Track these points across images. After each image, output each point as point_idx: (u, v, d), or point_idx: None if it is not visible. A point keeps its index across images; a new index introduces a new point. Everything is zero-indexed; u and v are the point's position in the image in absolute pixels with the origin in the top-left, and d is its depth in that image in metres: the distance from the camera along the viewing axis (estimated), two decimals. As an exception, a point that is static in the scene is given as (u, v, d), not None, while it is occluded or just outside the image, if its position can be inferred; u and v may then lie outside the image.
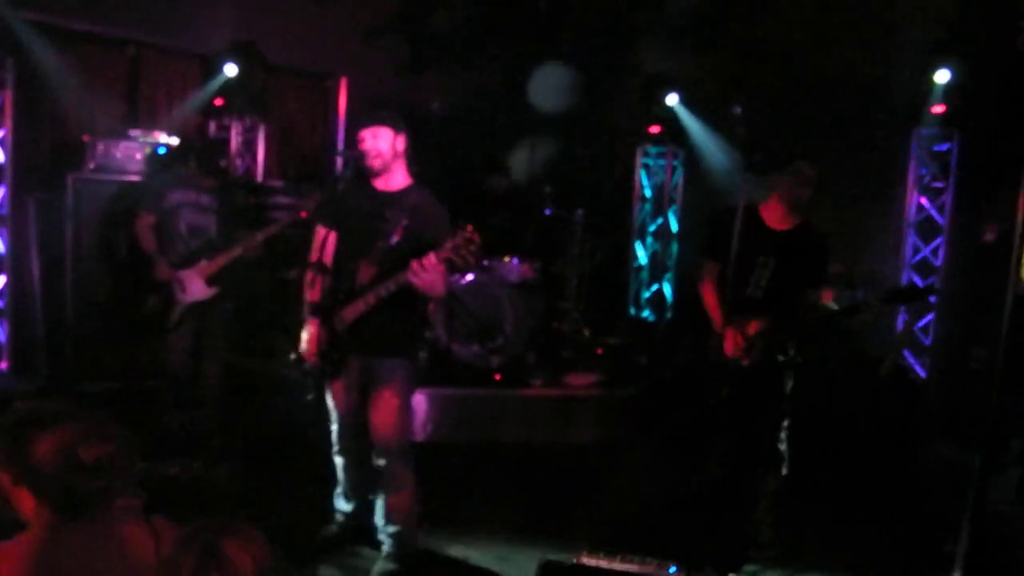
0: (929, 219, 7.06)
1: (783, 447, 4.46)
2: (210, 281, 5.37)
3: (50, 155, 6.83)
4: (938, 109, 6.64)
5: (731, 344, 4.31)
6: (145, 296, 5.40)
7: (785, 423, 4.43)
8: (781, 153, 4.34)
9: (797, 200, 4.35)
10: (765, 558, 4.46)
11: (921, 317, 7.06)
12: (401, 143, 4.01)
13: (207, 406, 5.57)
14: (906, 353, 7.01)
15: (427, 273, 3.65)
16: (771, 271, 4.35)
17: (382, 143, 3.94)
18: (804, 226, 4.41)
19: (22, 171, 6.42)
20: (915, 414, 6.40)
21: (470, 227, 3.59)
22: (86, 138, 6.54)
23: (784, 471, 4.53)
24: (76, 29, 6.97)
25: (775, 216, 4.40)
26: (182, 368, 5.51)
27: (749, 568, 4.39)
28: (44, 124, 6.84)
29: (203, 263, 5.34)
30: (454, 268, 3.82)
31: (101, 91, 7.06)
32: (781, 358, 4.38)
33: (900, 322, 7.09)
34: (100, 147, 6.51)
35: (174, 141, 6.76)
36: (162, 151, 6.66)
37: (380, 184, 4.03)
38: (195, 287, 5.34)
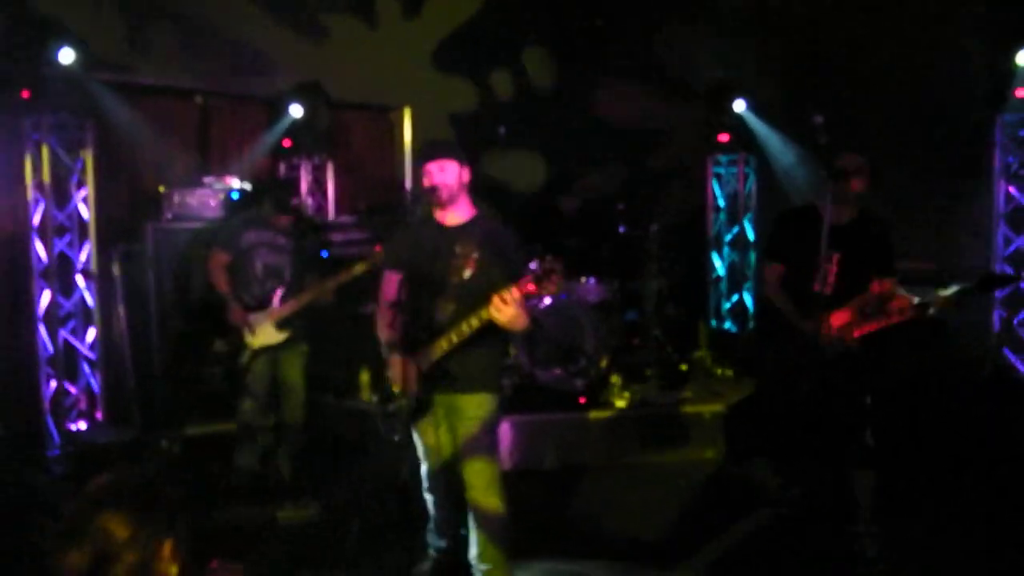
0: (1019, 208, 6.75)
1: (871, 442, 4.36)
2: (280, 325, 5.36)
3: (129, 207, 6.98)
4: (1022, 93, 6.36)
5: (825, 334, 4.22)
6: (215, 339, 5.44)
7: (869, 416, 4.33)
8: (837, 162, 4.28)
9: (850, 194, 4.32)
10: (874, 574, 4.27)
11: (1018, 312, 6.74)
12: (466, 175, 3.97)
13: (291, 449, 5.57)
14: (1006, 351, 6.70)
15: (508, 307, 3.57)
16: (836, 267, 4.33)
17: (448, 176, 3.90)
18: (863, 217, 4.42)
19: (104, 225, 6.56)
20: (1020, 415, 6.09)
21: (549, 256, 3.52)
22: (162, 188, 6.67)
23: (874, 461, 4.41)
24: (147, 84, 7.14)
25: (833, 213, 4.30)
26: (257, 411, 5.52)
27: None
28: (123, 178, 7.02)
29: (274, 307, 5.35)
30: (537, 297, 3.73)
31: (174, 142, 7.22)
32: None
33: (997, 320, 6.77)
34: (176, 196, 6.63)
35: (246, 186, 6.85)
36: (235, 195, 6.76)
37: (446, 219, 3.99)
38: (265, 331, 5.36)
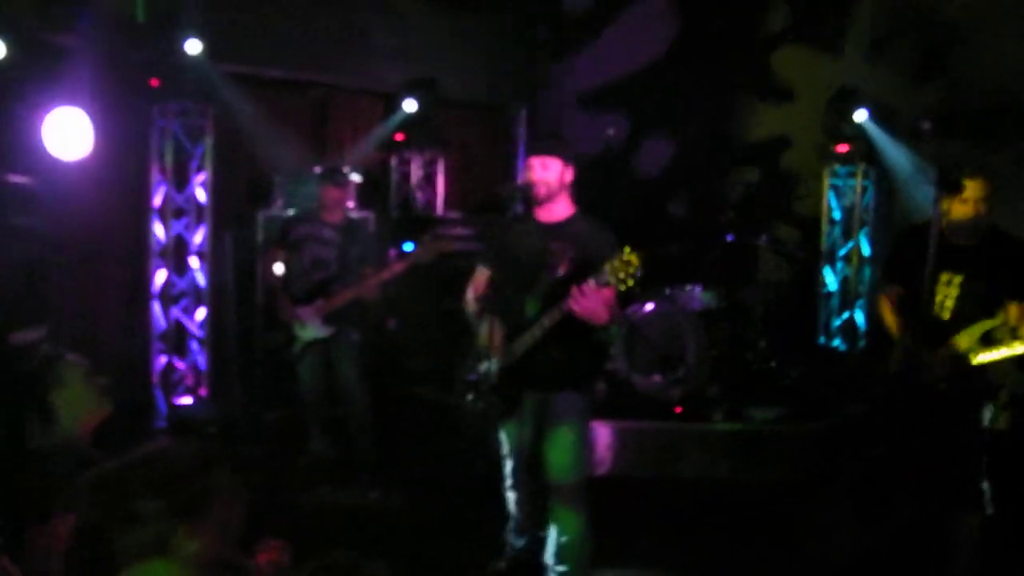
0: None
1: (984, 486, 4.05)
2: (327, 319, 5.42)
3: (244, 193, 7.21)
4: None
5: (936, 367, 3.96)
6: (270, 330, 5.56)
7: (984, 459, 4.02)
8: (949, 175, 3.97)
9: (967, 218, 3.99)
10: None
11: None
12: (569, 175, 3.92)
13: (360, 438, 5.63)
14: None
15: (586, 299, 3.52)
16: (957, 290, 4.00)
17: (551, 173, 3.86)
18: (993, 237, 4.02)
19: (219, 209, 6.81)
20: None
21: (626, 248, 3.45)
22: (275, 177, 6.87)
23: (987, 511, 4.10)
24: (267, 76, 7.37)
25: (957, 231, 4.02)
26: (314, 402, 5.65)
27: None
28: (239, 165, 7.26)
29: (320, 302, 5.41)
30: (612, 288, 3.66)
31: (290, 132, 7.41)
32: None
33: None
34: (287, 184, 6.80)
35: (356, 178, 6.99)
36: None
37: (544, 215, 3.95)
38: (312, 324, 5.42)
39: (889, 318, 4.25)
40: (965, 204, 3.96)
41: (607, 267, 3.43)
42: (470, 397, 4.06)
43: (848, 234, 8.14)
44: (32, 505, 2.54)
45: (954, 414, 4.04)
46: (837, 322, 8.20)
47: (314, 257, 5.53)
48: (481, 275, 4.06)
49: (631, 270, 3.40)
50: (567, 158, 3.90)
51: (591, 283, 3.49)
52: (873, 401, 5.00)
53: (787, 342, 7.54)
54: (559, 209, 3.94)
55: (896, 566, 4.42)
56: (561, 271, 3.81)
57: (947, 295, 4.00)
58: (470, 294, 4.11)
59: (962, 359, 3.93)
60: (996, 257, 4.00)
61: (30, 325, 4.16)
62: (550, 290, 3.80)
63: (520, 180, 3.97)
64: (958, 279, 4.00)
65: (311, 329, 5.44)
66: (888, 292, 4.28)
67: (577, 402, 3.94)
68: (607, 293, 3.55)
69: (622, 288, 3.46)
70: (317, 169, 6.92)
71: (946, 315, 4.01)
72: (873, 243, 8.03)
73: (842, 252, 8.18)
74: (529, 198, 3.88)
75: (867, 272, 8.06)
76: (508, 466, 4.18)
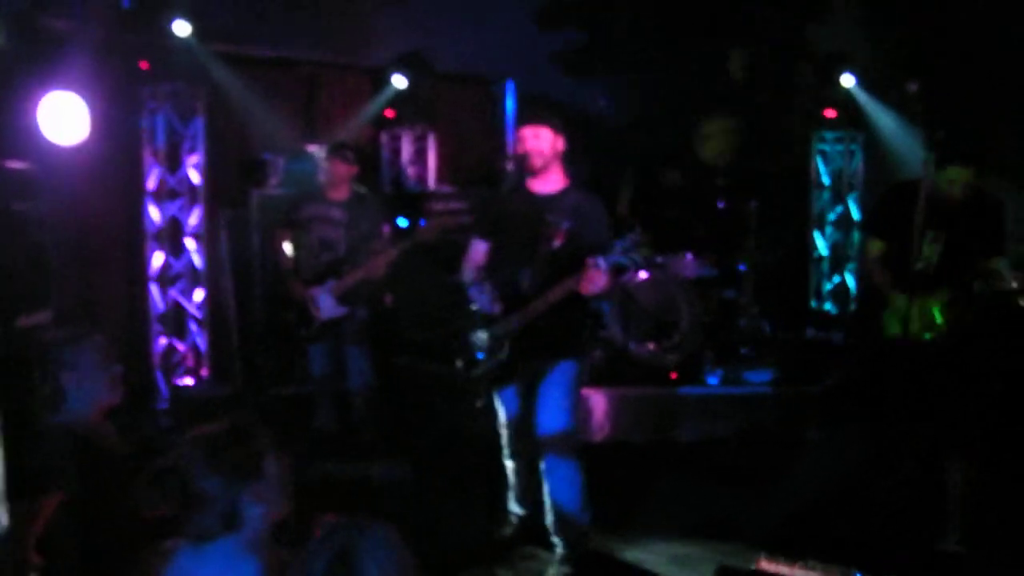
0: None
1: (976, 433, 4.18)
2: (342, 299, 5.45)
3: (237, 174, 7.23)
4: None
5: (917, 319, 4.06)
6: (283, 310, 5.58)
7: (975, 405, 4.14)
8: (940, 152, 4.05)
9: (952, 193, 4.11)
10: (955, 554, 4.13)
11: None
12: (561, 144, 3.96)
13: (365, 413, 5.69)
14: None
15: (597, 278, 3.62)
16: (942, 245, 4.12)
17: (543, 143, 3.91)
18: (975, 195, 4.16)
19: (213, 190, 6.83)
20: None
21: (638, 228, 3.53)
22: (268, 156, 6.89)
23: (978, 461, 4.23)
24: (257, 55, 7.36)
25: (943, 194, 4.13)
26: (325, 379, 5.70)
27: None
28: (232, 145, 7.26)
29: (332, 283, 5.43)
30: (623, 271, 3.76)
31: (281, 111, 7.41)
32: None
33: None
34: (281, 163, 6.83)
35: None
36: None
37: (537, 186, 4.00)
38: (327, 305, 5.45)
39: (877, 274, 4.38)
40: (951, 184, 4.08)
41: (619, 247, 3.50)
42: (460, 364, 4.12)
43: (837, 199, 8.21)
44: (27, 484, 2.61)
45: (944, 363, 4.15)
46: (828, 286, 8.29)
47: (322, 238, 5.55)
48: (477, 247, 4.10)
49: (644, 251, 3.48)
50: (557, 127, 3.94)
51: (600, 261, 3.56)
52: (862, 359, 5.08)
53: (779, 307, 7.64)
54: (552, 180, 3.99)
55: (884, 518, 4.54)
56: (557, 243, 3.87)
57: (932, 251, 4.11)
58: (466, 266, 4.16)
59: (948, 308, 4.06)
60: (975, 214, 4.14)
61: (36, 309, 4.21)
62: (547, 262, 3.87)
63: (513, 152, 4.02)
64: (943, 236, 4.12)
65: (326, 310, 5.47)
66: (871, 247, 4.41)
67: (572, 367, 4.01)
68: (612, 271, 3.63)
69: (633, 267, 3.54)
70: (310, 147, 6.97)
71: (931, 270, 4.13)
72: (862, 207, 8.10)
73: (832, 217, 8.26)
74: (523, 169, 3.93)
75: (856, 236, 8.14)
76: (504, 435, 4.26)
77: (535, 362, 3.97)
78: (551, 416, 3.95)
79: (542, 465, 4.02)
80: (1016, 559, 4.22)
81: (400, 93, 7.79)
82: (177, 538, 2.12)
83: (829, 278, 8.30)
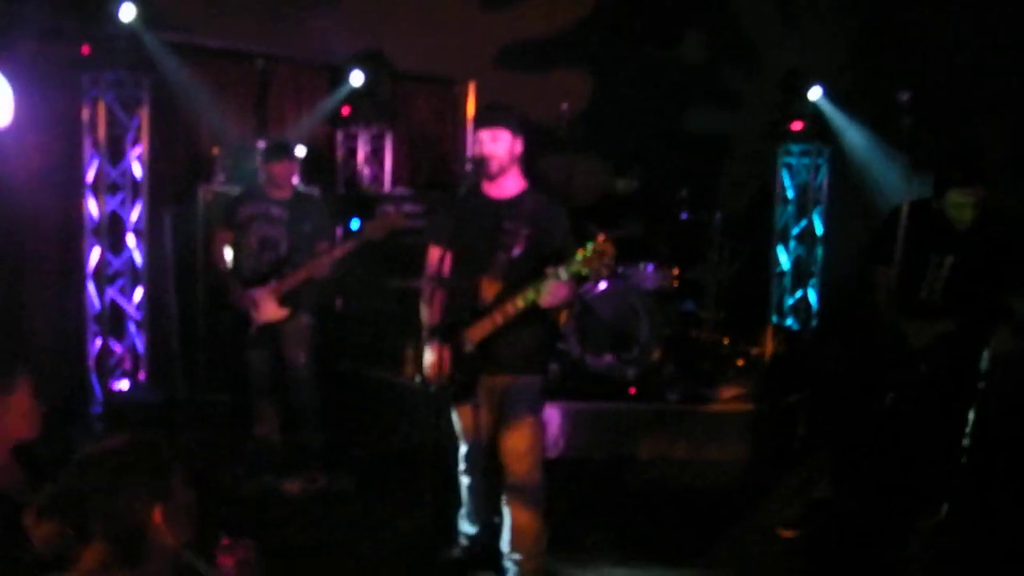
0: None
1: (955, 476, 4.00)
2: (282, 301, 5.20)
3: (183, 168, 6.93)
4: None
5: (913, 342, 3.86)
6: (223, 312, 5.32)
7: (964, 443, 3.94)
8: (939, 178, 3.85)
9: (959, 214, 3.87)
10: None
11: None
12: (519, 146, 3.75)
13: (307, 422, 5.45)
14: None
15: (560, 289, 3.43)
16: (948, 271, 3.88)
17: (500, 146, 3.69)
18: (990, 219, 3.87)
19: (157, 185, 6.51)
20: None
21: (602, 236, 3.32)
22: (216, 151, 6.59)
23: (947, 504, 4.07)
24: (207, 46, 7.07)
25: (957, 210, 3.89)
26: (266, 386, 5.43)
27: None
28: (178, 139, 6.97)
29: (273, 283, 5.18)
30: (584, 281, 3.56)
31: (231, 105, 7.14)
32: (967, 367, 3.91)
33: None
34: (229, 159, 6.53)
35: (301, 152, 6.73)
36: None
37: (494, 191, 3.78)
38: (267, 307, 5.20)
39: (888, 309, 4.06)
40: (960, 209, 3.85)
41: (579, 257, 3.31)
42: (418, 379, 3.90)
43: (802, 213, 8.11)
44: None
45: (936, 395, 3.96)
46: (790, 301, 8.18)
47: (262, 237, 5.29)
48: (435, 253, 3.87)
49: (607, 260, 3.28)
50: (516, 130, 3.74)
51: (561, 271, 3.36)
52: (842, 380, 4.90)
53: (740, 321, 7.51)
54: (510, 184, 3.78)
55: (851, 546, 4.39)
56: (517, 251, 3.67)
57: (937, 278, 3.91)
58: (425, 275, 3.92)
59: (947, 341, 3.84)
60: (989, 241, 3.89)
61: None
62: (506, 271, 3.66)
63: (470, 155, 3.79)
64: (949, 261, 3.90)
65: (265, 312, 5.21)
66: (879, 274, 4.10)
67: (534, 385, 3.82)
68: (573, 281, 3.44)
69: (595, 279, 3.36)
70: (260, 143, 6.68)
71: (936, 298, 3.93)
72: (826, 222, 8.01)
73: (795, 231, 8.15)
74: (480, 173, 3.71)
75: (820, 251, 8.05)
76: (462, 450, 4.04)
77: (494, 377, 3.75)
78: (515, 435, 3.74)
79: (505, 485, 3.80)
80: None
81: (357, 91, 7.55)
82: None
83: (791, 293, 8.18)
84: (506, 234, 3.67)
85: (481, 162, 3.68)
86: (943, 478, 4.05)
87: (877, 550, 4.20)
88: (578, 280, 3.46)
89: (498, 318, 3.60)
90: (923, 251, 3.80)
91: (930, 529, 4.13)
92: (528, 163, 3.84)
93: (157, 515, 1.84)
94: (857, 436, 4.18)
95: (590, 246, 3.33)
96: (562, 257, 3.45)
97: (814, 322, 8.02)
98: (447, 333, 3.72)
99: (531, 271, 3.55)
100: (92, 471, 1.83)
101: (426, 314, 3.86)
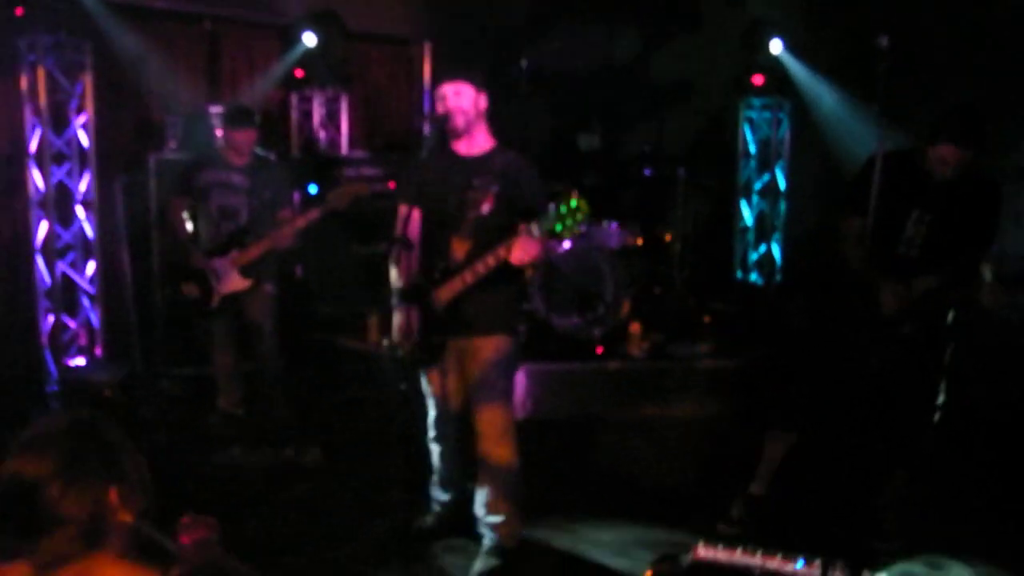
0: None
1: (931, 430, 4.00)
2: (244, 271, 5.08)
3: (133, 136, 6.70)
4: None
5: (892, 303, 3.81)
6: (182, 284, 5.17)
7: (940, 400, 3.93)
8: (936, 129, 3.72)
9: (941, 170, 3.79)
10: (887, 551, 3.95)
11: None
12: (483, 101, 3.67)
13: (273, 394, 5.34)
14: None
15: (528, 248, 3.35)
16: (927, 227, 3.80)
17: (464, 100, 3.60)
18: (968, 175, 3.78)
19: (106, 154, 6.29)
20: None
21: (575, 192, 3.25)
22: (167, 117, 6.38)
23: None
24: (152, 7, 6.81)
25: (938, 166, 3.79)
26: (229, 358, 5.34)
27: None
28: (126, 105, 6.72)
29: (235, 253, 5.05)
30: (557, 238, 3.48)
31: (181, 69, 6.90)
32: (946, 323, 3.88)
33: None
34: (180, 125, 6.33)
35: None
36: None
37: (462, 149, 3.69)
38: (230, 278, 5.07)
39: (855, 258, 3.97)
40: (943, 164, 3.74)
41: (553, 214, 3.22)
42: (386, 344, 3.81)
43: (764, 168, 8.07)
44: None
45: (913, 353, 3.92)
46: (754, 256, 8.17)
47: (222, 206, 5.14)
48: (404, 213, 3.76)
49: (579, 217, 3.21)
50: (478, 84, 3.65)
51: (532, 228, 3.28)
52: (809, 336, 4.87)
53: (705, 278, 7.49)
54: (478, 141, 3.69)
55: (823, 500, 4.40)
56: (486, 209, 3.59)
57: (917, 232, 3.85)
58: (399, 231, 3.79)
59: (930, 297, 3.79)
60: (966, 197, 3.80)
61: None
62: (476, 229, 3.58)
63: (433, 114, 3.68)
64: (929, 217, 3.82)
65: (227, 283, 5.07)
66: (849, 224, 3.99)
67: (505, 346, 3.75)
68: (544, 238, 3.35)
69: (568, 236, 3.29)
70: (213, 108, 6.48)
71: (914, 252, 3.86)
72: (789, 176, 7.98)
73: (758, 186, 8.12)
74: (446, 131, 3.60)
75: (783, 206, 8.03)
76: (431, 416, 3.97)
77: (465, 339, 3.67)
78: (486, 398, 3.67)
79: (478, 450, 3.74)
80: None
81: (310, 52, 7.32)
82: (23, 567, 1.73)
83: (755, 248, 8.17)
84: (475, 191, 3.60)
85: (445, 118, 3.58)
86: (917, 433, 4.04)
87: (852, 503, 4.22)
88: (551, 237, 3.37)
89: (468, 277, 3.53)
90: (900, 204, 3.72)
91: (904, 481, 4.14)
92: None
93: (112, 495, 1.76)
94: (826, 393, 4.15)
95: (564, 202, 3.26)
96: (534, 213, 3.37)
97: (778, 277, 8.02)
98: (415, 294, 3.64)
99: (502, 229, 3.49)
100: (38, 459, 1.72)
101: (394, 275, 3.77)
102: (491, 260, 3.47)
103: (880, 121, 3.35)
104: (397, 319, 3.69)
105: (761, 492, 4.19)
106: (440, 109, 3.59)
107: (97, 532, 1.75)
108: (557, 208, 3.25)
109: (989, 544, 3.92)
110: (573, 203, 3.23)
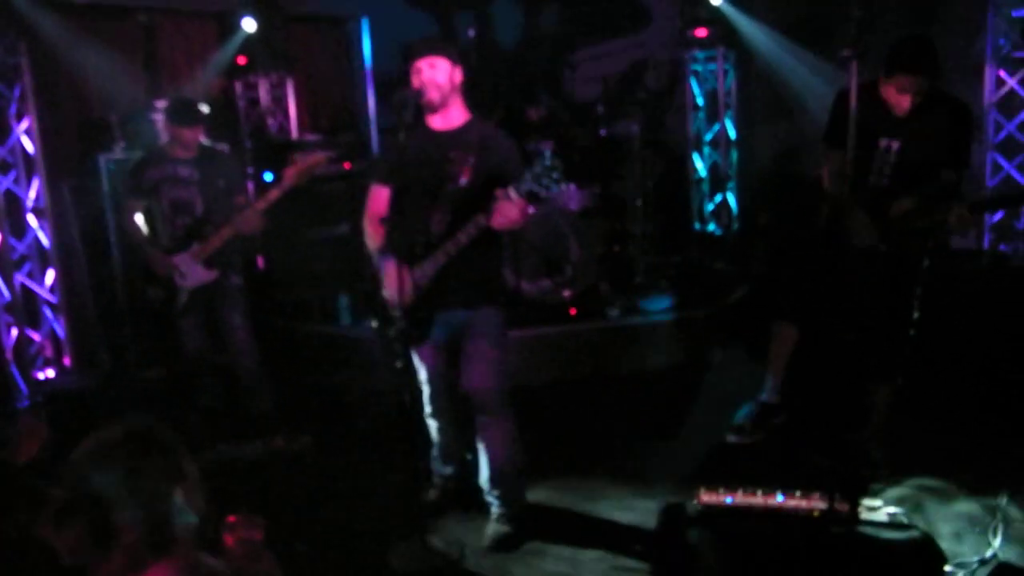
0: (1012, 94, 6.45)
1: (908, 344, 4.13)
2: (208, 263, 5.00)
3: (78, 138, 6.52)
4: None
5: (864, 233, 3.90)
6: (145, 285, 5.09)
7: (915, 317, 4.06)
8: (888, 60, 3.83)
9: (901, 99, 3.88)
10: (876, 479, 4.07)
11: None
12: (459, 75, 3.63)
13: (252, 385, 5.28)
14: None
15: (508, 211, 3.35)
16: (895, 156, 3.91)
17: (440, 74, 3.56)
18: (932, 100, 3.88)
19: (52, 158, 6.10)
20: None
21: (550, 151, 3.26)
22: (110, 115, 6.22)
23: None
24: (83, 2, 6.60)
25: (895, 96, 3.90)
26: (203, 353, 5.26)
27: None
28: (67, 106, 6.55)
29: (196, 246, 4.96)
30: (536, 199, 3.49)
31: (120, 64, 6.69)
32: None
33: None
34: (125, 123, 6.18)
35: (204, 109, 6.42)
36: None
37: (438, 123, 3.66)
38: (194, 272, 4.99)
39: (835, 185, 4.08)
40: (900, 93, 3.84)
41: (528, 175, 3.23)
42: (375, 324, 3.80)
43: (713, 119, 8.15)
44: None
45: (890, 275, 4.03)
46: (710, 207, 8.26)
47: (173, 200, 5.02)
48: (379, 193, 3.73)
49: (555, 175, 3.23)
50: (454, 58, 3.62)
51: (511, 192, 3.28)
52: (786, 275, 4.98)
53: (666, 231, 7.57)
54: (454, 115, 3.67)
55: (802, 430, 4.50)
56: (464, 180, 3.57)
57: (885, 162, 3.94)
58: (369, 215, 3.77)
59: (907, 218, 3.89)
60: (933, 121, 3.90)
61: None
62: (455, 201, 3.57)
63: (407, 88, 3.63)
64: (896, 145, 3.92)
65: (193, 277, 4.99)
66: (827, 157, 4.10)
67: (494, 317, 3.77)
68: (524, 200, 3.36)
69: (544, 194, 3.30)
70: (157, 102, 6.32)
71: (884, 181, 3.96)
72: (738, 126, 8.07)
73: (708, 137, 8.20)
74: (421, 105, 3.57)
75: (735, 155, 8.12)
76: (426, 393, 3.97)
77: (453, 312, 3.67)
78: (479, 370, 3.69)
79: (476, 422, 3.77)
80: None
81: (250, 38, 7.19)
82: None
83: (710, 199, 8.27)
84: (452, 163, 3.58)
85: (420, 93, 3.54)
86: (896, 351, 4.16)
87: (835, 431, 4.32)
88: (529, 199, 3.38)
89: (450, 248, 3.52)
90: (868, 135, 3.81)
91: (887, 404, 4.26)
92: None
93: (178, 497, 1.74)
94: (812, 314, 4.27)
95: (538, 162, 3.27)
96: (512, 178, 3.37)
97: (735, 226, 8.13)
98: (404, 256, 3.58)
99: (480, 199, 3.47)
100: (103, 468, 1.70)
101: (371, 244, 3.72)
102: (472, 229, 3.46)
103: (844, 62, 3.40)
104: (389, 277, 3.56)
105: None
106: (415, 83, 3.54)
107: (164, 536, 1.73)
108: (533, 169, 3.27)
109: (963, 464, 4.13)
110: (546, 162, 3.25)
